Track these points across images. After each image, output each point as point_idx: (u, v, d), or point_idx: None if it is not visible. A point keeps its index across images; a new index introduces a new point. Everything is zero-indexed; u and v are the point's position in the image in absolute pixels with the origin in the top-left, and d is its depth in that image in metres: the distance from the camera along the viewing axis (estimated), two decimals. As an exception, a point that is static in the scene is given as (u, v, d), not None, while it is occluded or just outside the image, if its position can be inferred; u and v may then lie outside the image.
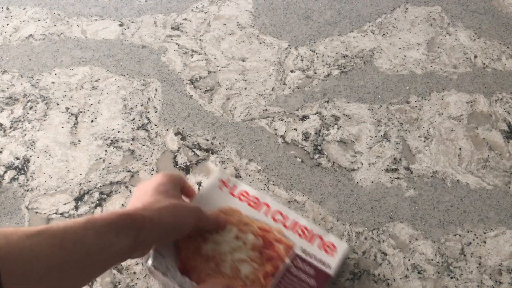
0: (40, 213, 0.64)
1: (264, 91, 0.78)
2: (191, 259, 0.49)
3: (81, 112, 0.75)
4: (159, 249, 0.50)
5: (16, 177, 0.68)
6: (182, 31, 0.88)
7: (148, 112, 0.75)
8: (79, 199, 0.65)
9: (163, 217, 0.43)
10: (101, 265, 0.39)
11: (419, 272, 0.58)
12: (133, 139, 0.72)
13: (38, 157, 0.70)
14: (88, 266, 0.37)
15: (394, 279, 0.58)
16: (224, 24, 0.89)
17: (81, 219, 0.38)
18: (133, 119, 0.74)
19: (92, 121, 0.74)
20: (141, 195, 0.48)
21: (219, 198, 0.56)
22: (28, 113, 0.75)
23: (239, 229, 0.52)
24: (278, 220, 0.54)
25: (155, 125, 0.74)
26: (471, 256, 0.60)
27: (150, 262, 0.49)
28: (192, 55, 0.84)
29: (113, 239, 0.38)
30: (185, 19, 0.91)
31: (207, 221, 0.50)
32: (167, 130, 0.73)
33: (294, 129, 0.73)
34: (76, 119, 0.74)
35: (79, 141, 0.72)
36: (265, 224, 0.54)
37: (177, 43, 0.86)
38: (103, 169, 0.68)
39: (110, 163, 0.69)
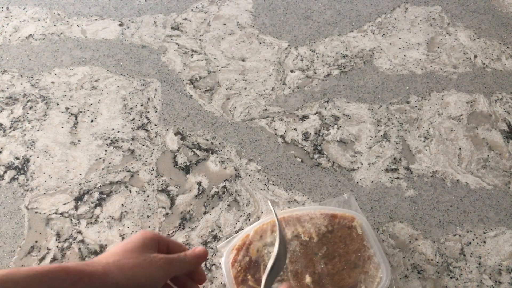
0: (40, 213, 0.64)
1: (264, 91, 0.78)
2: None
3: (81, 112, 0.75)
4: None
5: (16, 177, 0.68)
6: (182, 31, 0.88)
7: (148, 112, 0.75)
8: (79, 199, 0.65)
9: (111, 272, 0.39)
10: None
11: (418, 272, 0.59)
12: (133, 139, 0.72)
13: (38, 157, 0.70)
14: None
15: (394, 279, 0.58)
16: (224, 24, 0.89)
17: (3, 270, 0.34)
18: (133, 119, 0.74)
19: (92, 121, 0.74)
20: (108, 256, 0.42)
21: None
22: (28, 113, 0.75)
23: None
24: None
25: (155, 125, 0.74)
26: (471, 256, 0.60)
27: None
28: (192, 55, 0.84)
29: None
30: (185, 19, 0.90)
31: (181, 265, 0.45)
32: (167, 130, 0.73)
33: (294, 129, 0.73)
34: (76, 119, 0.74)
35: (79, 141, 0.72)
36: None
37: (177, 43, 0.86)
38: (103, 169, 0.68)
39: (110, 163, 0.69)
